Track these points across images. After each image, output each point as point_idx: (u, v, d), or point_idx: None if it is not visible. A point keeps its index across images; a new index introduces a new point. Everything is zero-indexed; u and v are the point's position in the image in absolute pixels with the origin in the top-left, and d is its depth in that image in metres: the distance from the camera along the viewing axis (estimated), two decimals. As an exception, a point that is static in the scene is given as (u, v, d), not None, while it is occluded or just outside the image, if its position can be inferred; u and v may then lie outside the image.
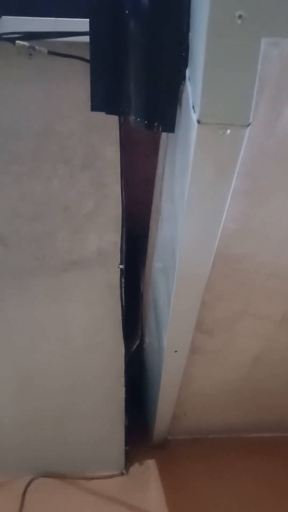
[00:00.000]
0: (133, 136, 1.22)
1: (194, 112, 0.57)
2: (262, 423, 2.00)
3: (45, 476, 1.81)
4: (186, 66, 0.66)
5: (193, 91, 0.60)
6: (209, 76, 0.51)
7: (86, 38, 0.94)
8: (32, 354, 1.51)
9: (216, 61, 0.51)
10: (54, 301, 1.40)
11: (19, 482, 1.79)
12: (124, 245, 1.31)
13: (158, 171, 1.15)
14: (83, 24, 0.92)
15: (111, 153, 1.15)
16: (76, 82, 1.05)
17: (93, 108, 0.84)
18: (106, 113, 0.91)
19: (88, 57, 0.99)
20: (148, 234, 1.41)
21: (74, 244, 1.30)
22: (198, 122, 0.56)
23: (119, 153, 1.15)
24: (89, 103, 1.08)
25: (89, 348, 1.51)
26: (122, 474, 1.88)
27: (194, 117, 0.57)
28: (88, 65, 1.01)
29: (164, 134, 1.09)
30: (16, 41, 0.93)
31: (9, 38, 0.93)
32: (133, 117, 0.76)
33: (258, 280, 0.95)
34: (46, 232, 1.27)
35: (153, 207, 1.25)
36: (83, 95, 1.07)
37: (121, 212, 1.25)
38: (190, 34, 0.62)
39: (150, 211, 1.31)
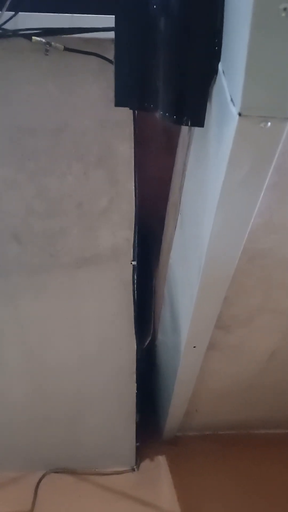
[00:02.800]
0: (147, 133, 1.22)
1: (234, 105, 0.57)
2: (272, 420, 2.00)
3: (57, 472, 1.83)
4: (218, 60, 0.66)
5: (230, 85, 0.59)
6: (252, 69, 0.51)
7: (103, 35, 0.95)
8: (45, 349, 1.52)
9: (259, 55, 0.51)
10: (67, 297, 1.40)
11: (32, 477, 1.80)
12: (136, 241, 1.31)
13: (177, 168, 1.14)
14: (100, 20, 0.93)
15: (125, 150, 1.16)
16: (92, 79, 1.06)
17: (117, 104, 0.83)
18: (130, 109, 0.90)
19: (104, 54, 1.00)
20: (160, 230, 1.41)
21: (87, 241, 1.30)
22: (239, 114, 0.56)
23: (133, 149, 1.15)
24: (104, 100, 1.08)
25: (101, 344, 1.51)
26: (133, 470, 1.89)
27: (234, 110, 0.57)
28: (104, 62, 1.01)
29: (184, 131, 1.08)
30: (33, 37, 0.94)
31: (26, 34, 0.93)
32: (161, 112, 0.76)
33: (279, 276, 0.94)
34: (59, 229, 1.28)
35: (170, 203, 1.25)
36: (98, 92, 1.07)
37: (134, 209, 1.26)
38: (224, 28, 0.62)
39: (163, 206, 1.31)
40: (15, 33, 0.92)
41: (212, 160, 0.72)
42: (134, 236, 1.30)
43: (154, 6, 0.66)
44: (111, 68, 1.02)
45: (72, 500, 1.75)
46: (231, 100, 0.58)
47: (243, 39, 0.51)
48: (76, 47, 0.98)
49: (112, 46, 0.97)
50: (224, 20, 0.61)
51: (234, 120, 0.57)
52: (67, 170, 1.19)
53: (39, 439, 1.77)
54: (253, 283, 0.94)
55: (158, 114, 0.76)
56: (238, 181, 0.64)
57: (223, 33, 0.63)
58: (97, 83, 1.06)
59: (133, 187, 1.22)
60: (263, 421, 2.00)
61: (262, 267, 0.90)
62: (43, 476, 1.82)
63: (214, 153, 0.70)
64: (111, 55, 1.00)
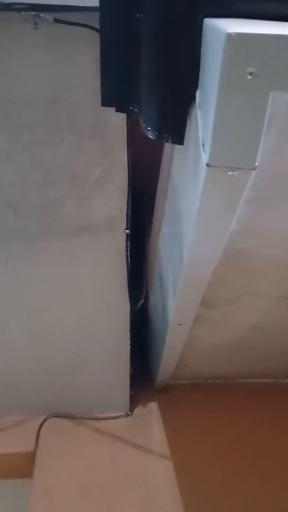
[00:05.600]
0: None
1: (204, 151, 0.60)
2: (256, 371, 2.13)
3: (58, 416, 1.99)
4: (196, 87, 0.66)
5: (203, 125, 0.61)
6: (220, 126, 0.54)
7: (93, 3, 0.93)
8: (44, 310, 1.60)
9: (226, 113, 0.53)
10: (63, 263, 1.46)
11: (35, 420, 1.96)
12: (130, 211, 1.35)
13: (166, 150, 1.15)
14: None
15: (118, 121, 1.16)
16: (83, 50, 1.04)
17: (103, 103, 0.84)
18: (116, 110, 0.90)
19: (95, 25, 0.97)
20: (152, 197, 1.44)
21: (82, 211, 1.34)
22: (208, 165, 0.59)
23: (125, 120, 1.16)
24: (97, 71, 1.07)
25: (97, 306, 1.59)
26: (127, 415, 2.04)
27: (204, 157, 0.59)
28: (95, 33, 0.99)
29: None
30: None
31: (16, 9, 0.92)
32: (143, 124, 0.77)
33: (260, 268, 1.00)
34: (55, 199, 1.31)
35: (160, 183, 1.27)
36: (90, 63, 1.06)
37: (127, 180, 1.28)
38: (201, 63, 0.62)
39: (155, 177, 1.33)
40: (6, 7, 0.91)
41: (189, 183, 0.75)
42: (128, 206, 1.33)
43: (137, 15, 0.65)
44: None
45: (71, 442, 1.92)
46: (203, 145, 0.61)
47: (212, 92, 0.53)
48: (66, 18, 0.96)
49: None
50: (201, 57, 0.61)
51: (203, 166, 0.61)
52: (61, 142, 1.20)
53: (41, 387, 1.91)
54: (235, 273, 1.00)
55: (141, 125, 0.76)
56: (210, 213, 0.68)
57: (200, 67, 0.63)
58: (89, 53, 1.04)
59: (126, 158, 1.24)
60: (247, 372, 2.14)
61: (243, 262, 0.95)
62: (45, 420, 1.97)
63: (190, 178, 0.72)
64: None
